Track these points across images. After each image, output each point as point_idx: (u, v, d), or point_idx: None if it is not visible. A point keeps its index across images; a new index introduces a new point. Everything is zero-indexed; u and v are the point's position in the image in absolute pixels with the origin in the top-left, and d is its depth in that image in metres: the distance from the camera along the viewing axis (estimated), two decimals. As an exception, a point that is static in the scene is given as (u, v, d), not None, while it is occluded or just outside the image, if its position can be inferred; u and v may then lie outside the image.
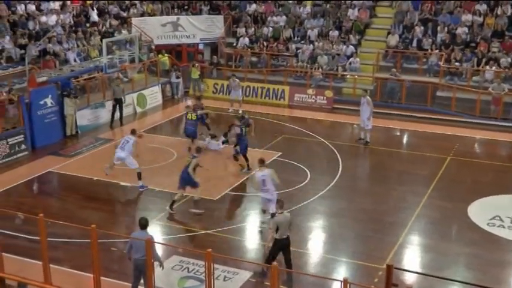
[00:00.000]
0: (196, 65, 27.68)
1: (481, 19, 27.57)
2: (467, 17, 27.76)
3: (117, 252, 12.77)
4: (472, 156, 20.15)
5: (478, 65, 25.42)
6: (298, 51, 28.50)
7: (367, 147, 20.56)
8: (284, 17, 30.85)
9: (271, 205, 13.56)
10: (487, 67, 25.15)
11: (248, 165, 17.74)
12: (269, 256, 11.93)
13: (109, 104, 23.21)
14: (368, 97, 20.73)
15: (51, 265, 11.21)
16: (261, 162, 14.23)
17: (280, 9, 31.73)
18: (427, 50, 26.95)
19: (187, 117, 19.53)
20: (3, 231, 13.29)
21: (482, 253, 13.58)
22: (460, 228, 15.00)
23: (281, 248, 11.90)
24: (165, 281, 11.81)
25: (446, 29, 27.47)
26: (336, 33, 28.98)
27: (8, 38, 24.70)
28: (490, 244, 14.01)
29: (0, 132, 19.05)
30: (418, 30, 27.80)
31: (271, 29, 30.38)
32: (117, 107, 23.10)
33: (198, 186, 15.28)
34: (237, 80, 25.17)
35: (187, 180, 15.08)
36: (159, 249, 12.26)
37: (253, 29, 30.75)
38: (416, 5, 29.48)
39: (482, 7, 27.86)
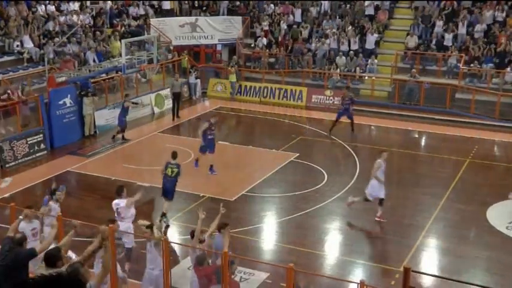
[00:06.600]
0: (235, 66, 27.59)
1: (502, 16, 27.35)
2: (487, 17, 27.49)
3: (133, 252, 12.79)
4: (491, 159, 19.94)
5: (498, 67, 25.18)
6: (316, 52, 28.43)
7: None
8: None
9: None
10: (508, 69, 24.89)
11: None
12: None
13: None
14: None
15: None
16: None
17: (299, 10, 31.65)
18: (447, 48, 26.74)
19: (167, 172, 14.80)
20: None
21: (501, 256, 13.43)
22: (478, 231, 14.85)
23: None
24: (181, 281, 11.81)
25: (466, 30, 27.23)
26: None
27: (28, 38, 24.85)
28: (509, 247, 13.85)
29: (20, 132, 19.25)
30: (438, 24, 27.53)
31: (288, 29, 30.34)
32: (175, 100, 24.32)
33: None
34: None
35: None
36: (176, 249, 12.31)
37: (270, 29, 30.72)
38: (437, 5, 29.28)
39: (504, 7, 27.62)
